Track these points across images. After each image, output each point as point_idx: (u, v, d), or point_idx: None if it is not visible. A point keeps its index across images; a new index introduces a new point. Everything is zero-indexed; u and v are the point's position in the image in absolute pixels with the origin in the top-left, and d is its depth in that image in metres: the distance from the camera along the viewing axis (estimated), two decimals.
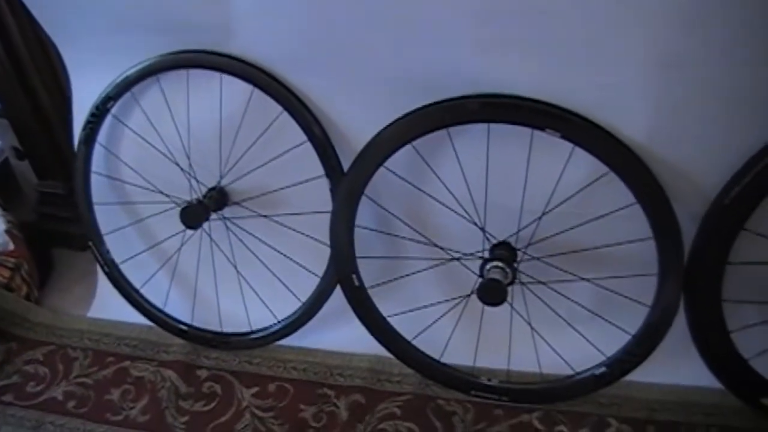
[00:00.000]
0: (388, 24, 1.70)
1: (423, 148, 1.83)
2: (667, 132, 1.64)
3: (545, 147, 1.70)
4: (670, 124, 1.63)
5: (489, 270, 1.80)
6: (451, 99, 1.70)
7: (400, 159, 1.84)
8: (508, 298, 1.81)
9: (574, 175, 1.74)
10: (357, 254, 1.97)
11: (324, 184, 1.96)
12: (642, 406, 1.98)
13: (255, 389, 2.22)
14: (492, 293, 1.77)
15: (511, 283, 1.81)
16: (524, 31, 1.60)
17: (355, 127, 1.90)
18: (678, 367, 1.94)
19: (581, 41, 1.58)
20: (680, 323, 1.79)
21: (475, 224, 1.86)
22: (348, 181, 1.88)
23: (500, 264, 1.79)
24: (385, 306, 2.05)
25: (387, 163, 1.83)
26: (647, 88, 1.60)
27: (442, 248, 1.95)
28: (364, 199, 1.90)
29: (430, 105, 1.72)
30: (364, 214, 1.95)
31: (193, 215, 2.08)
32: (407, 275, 2.05)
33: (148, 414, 2.21)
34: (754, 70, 1.52)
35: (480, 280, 1.80)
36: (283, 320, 2.22)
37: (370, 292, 2.01)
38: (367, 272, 2.01)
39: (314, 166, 1.96)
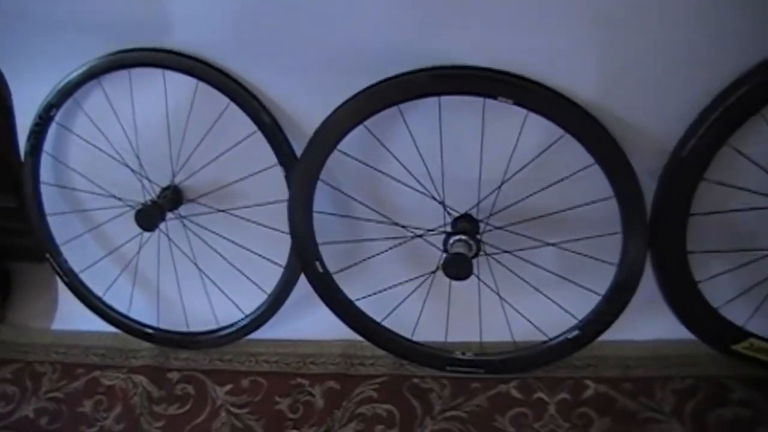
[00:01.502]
0: (328, 2, 1.66)
1: (376, 127, 1.80)
2: (619, 90, 1.63)
3: (499, 115, 1.69)
4: (621, 81, 1.62)
5: (452, 244, 1.79)
6: (401, 74, 1.68)
7: (354, 140, 1.81)
8: (474, 270, 1.79)
9: (531, 140, 1.73)
10: (318, 240, 1.95)
11: (279, 172, 1.93)
12: (617, 365, 2.00)
13: (228, 386, 2.20)
14: (458, 267, 1.76)
15: (476, 255, 1.80)
16: (465, 1, 1.58)
17: (306, 111, 1.87)
18: (650, 323, 1.96)
19: (524, 4, 1.56)
20: (648, 279, 1.79)
21: (435, 199, 1.84)
22: (302, 167, 1.85)
23: (463, 237, 1.78)
24: (352, 290, 2.03)
25: (341, 146, 1.81)
26: (595, 48, 1.58)
27: (403, 227, 1.94)
28: (321, 184, 1.88)
29: (379, 83, 1.70)
30: (322, 200, 1.93)
31: (149, 217, 2.04)
32: (372, 257, 2.03)
33: (123, 422, 2.19)
34: (702, 19, 1.50)
35: (444, 255, 1.78)
36: (250, 314, 2.19)
37: (336, 277, 2.00)
38: (331, 257, 1.99)
39: (267, 155, 1.93)
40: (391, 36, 1.67)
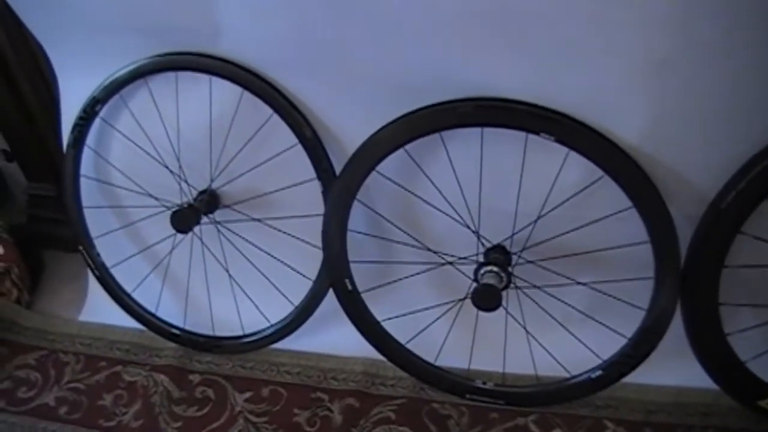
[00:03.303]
0: (378, 26, 1.67)
1: (416, 152, 1.81)
2: (662, 134, 1.62)
3: (539, 150, 1.69)
4: (665, 125, 1.61)
5: (483, 275, 1.79)
6: (444, 102, 1.68)
7: (393, 162, 1.82)
8: (503, 302, 1.79)
9: (570, 178, 1.72)
10: (350, 258, 1.96)
11: (316, 186, 1.94)
12: (638, 408, 1.97)
13: (248, 393, 2.21)
14: (486, 298, 1.76)
15: (506, 287, 1.79)
16: (514, 33, 1.58)
17: (347, 129, 1.88)
18: (674, 369, 1.93)
19: (570, 41, 1.55)
20: (676, 325, 1.77)
21: (469, 228, 1.84)
22: (340, 184, 1.86)
23: (495, 268, 1.78)
24: (379, 309, 2.03)
25: (380, 167, 1.81)
26: (640, 89, 1.58)
27: (435, 252, 1.93)
28: (356, 202, 1.88)
29: (422, 108, 1.70)
30: (356, 218, 1.94)
31: (184, 219, 2.05)
32: (401, 279, 2.03)
33: (141, 419, 2.20)
34: (750, 71, 1.50)
35: (474, 284, 1.78)
36: (275, 324, 2.20)
37: (364, 295, 2.00)
38: (361, 276, 1.99)
39: (306, 168, 1.94)
40: (438, 64, 1.67)
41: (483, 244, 1.86)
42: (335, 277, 1.97)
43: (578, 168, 1.69)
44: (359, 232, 1.97)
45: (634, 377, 1.89)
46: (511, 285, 1.83)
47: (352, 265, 1.97)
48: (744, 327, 1.77)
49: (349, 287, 1.97)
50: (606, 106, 1.61)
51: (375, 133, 1.77)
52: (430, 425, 2.04)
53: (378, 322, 2.02)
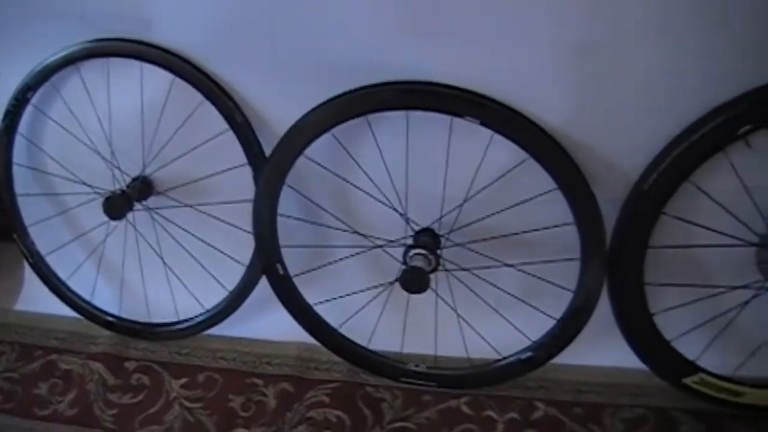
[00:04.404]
0: (308, 10, 1.67)
1: (345, 136, 1.82)
2: (585, 117, 1.65)
3: (465, 133, 1.70)
4: (588, 109, 1.64)
5: (411, 257, 1.80)
6: (370, 86, 1.68)
7: (324, 147, 1.82)
8: (433, 285, 1.81)
9: (495, 160, 1.73)
10: (281, 243, 1.96)
11: (248, 172, 1.94)
12: (568, 389, 2.00)
13: (183, 380, 2.21)
14: (414, 281, 1.77)
15: (435, 269, 1.81)
16: (441, 18, 1.59)
17: (278, 114, 1.88)
18: (603, 350, 1.96)
19: (496, 27, 1.57)
20: (604, 306, 1.80)
21: (397, 211, 1.85)
22: (268, 169, 1.86)
23: (422, 251, 1.79)
24: (312, 294, 2.04)
25: (309, 152, 1.81)
26: (563, 74, 1.59)
27: (365, 236, 1.94)
28: (288, 187, 1.88)
29: (348, 92, 1.70)
30: (288, 203, 1.94)
31: (116, 206, 2.05)
32: (332, 263, 2.03)
33: (76, 407, 2.19)
34: (668, 56, 1.52)
35: (403, 267, 1.79)
36: (209, 310, 2.20)
37: (296, 280, 2.01)
38: (293, 260, 2.00)
39: (238, 154, 1.94)
40: (366, 47, 1.68)
41: (411, 228, 1.87)
42: (266, 261, 1.98)
43: (504, 151, 1.70)
44: (289, 216, 1.96)
45: (564, 358, 1.92)
46: (441, 268, 1.84)
47: (284, 250, 1.97)
48: (669, 306, 1.79)
49: (281, 272, 1.98)
50: (530, 89, 1.63)
51: (302, 118, 1.77)
52: (363, 408, 2.05)
53: (310, 307, 2.03)
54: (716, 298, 1.80)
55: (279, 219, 1.93)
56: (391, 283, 1.84)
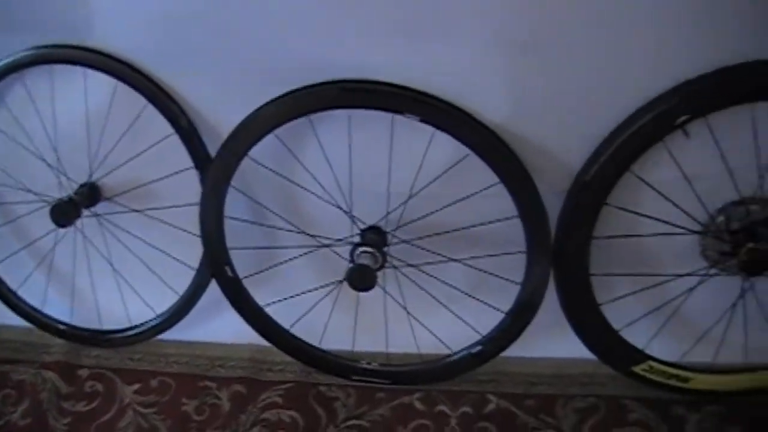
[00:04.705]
0: (250, 11, 1.67)
1: (289, 136, 1.82)
2: (526, 112, 1.66)
3: (408, 130, 1.71)
4: (529, 103, 1.65)
5: (358, 255, 1.80)
6: (311, 86, 1.69)
7: (269, 147, 1.82)
8: (381, 282, 1.82)
9: (439, 157, 1.75)
10: (230, 245, 1.96)
11: (195, 175, 1.94)
12: (520, 381, 2.03)
13: (137, 386, 2.20)
14: (361, 278, 1.78)
15: (382, 267, 1.82)
16: (382, 15, 1.60)
17: (223, 117, 1.87)
18: (553, 341, 1.99)
19: (437, 24, 1.58)
20: (552, 298, 1.82)
21: (341, 209, 1.86)
22: (213, 171, 1.86)
23: (369, 249, 1.80)
24: (262, 295, 2.04)
25: (254, 153, 1.81)
26: (503, 69, 1.61)
27: (312, 235, 1.95)
28: (234, 189, 1.88)
29: (289, 93, 1.71)
30: (236, 205, 1.94)
31: (64, 213, 2.03)
32: (281, 263, 2.03)
33: (30, 417, 2.18)
34: (606, 50, 1.55)
35: (350, 265, 1.80)
36: (161, 315, 2.19)
37: (246, 282, 2.00)
38: (243, 262, 2.00)
39: (185, 157, 1.93)
40: (308, 48, 1.68)
41: (358, 226, 1.88)
42: (215, 264, 1.98)
43: (447, 147, 1.71)
44: (234, 218, 1.95)
45: (515, 351, 1.94)
46: (388, 265, 1.85)
47: (233, 252, 1.97)
48: (617, 296, 1.82)
49: (230, 274, 1.98)
50: (471, 85, 1.64)
51: (245, 119, 1.77)
52: (317, 408, 2.06)
53: (261, 308, 2.04)
54: (662, 286, 1.83)
55: (227, 221, 1.93)
56: (340, 282, 1.84)
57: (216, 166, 1.85)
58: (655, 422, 1.91)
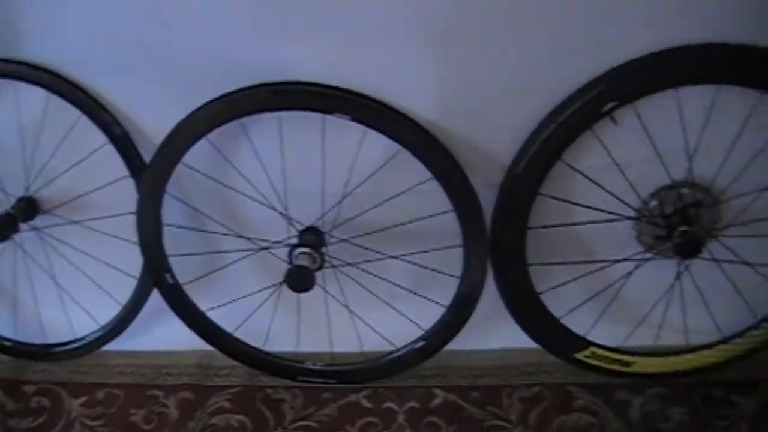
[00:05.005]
0: (177, 18, 1.67)
1: (222, 141, 1.82)
2: (457, 107, 1.68)
3: (340, 130, 1.71)
4: (458, 98, 1.67)
5: (296, 256, 1.81)
6: (239, 90, 1.69)
7: (203, 153, 1.82)
8: (321, 282, 1.83)
9: (371, 155, 1.75)
10: (170, 252, 1.95)
11: (132, 184, 1.93)
12: (465, 374, 2.05)
13: (83, 398, 2.18)
14: (299, 280, 1.79)
15: (321, 267, 1.82)
16: (310, 17, 1.60)
17: (157, 124, 1.86)
18: (496, 332, 2.01)
19: (362, 22, 1.58)
20: (493, 290, 1.84)
21: (277, 211, 1.86)
22: (147, 179, 1.85)
23: (306, 249, 1.81)
24: (206, 300, 2.04)
25: (189, 159, 1.81)
26: (430, 64, 1.62)
27: (249, 239, 1.95)
28: (171, 196, 1.88)
29: (219, 97, 1.70)
30: (174, 211, 1.95)
31: (1, 228, 2.01)
32: (222, 268, 2.03)
33: None
34: (531, 41, 1.56)
35: (289, 267, 1.80)
36: (104, 326, 2.18)
37: (188, 288, 2.00)
38: (185, 268, 2.00)
39: (120, 166, 1.92)
40: (237, 51, 1.68)
41: (295, 227, 1.88)
42: (155, 272, 1.97)
43: (379, 145, 1.72)
44: (172, 225, 1.95)
45: (459, 344, 1.96)
46: (327, 264, 1.86)
47: (174, 259, 1.97)
48: (555, 284, 1.84)
49: (170, 281, 1.97)
50: (400, 82, 1.65)
51: (176, 126, 1.76)
52: (265, 411, 2.06)
53: (203, 314, 2.03)
54: (601, 273, 1.86)
55: (166, 228, 1.92)
56: (281, 284, 1.84)
57: (150, 174, 1.84)
58: (600, 407, 1.94)
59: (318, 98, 1.66)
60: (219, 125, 1.74)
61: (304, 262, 1.79)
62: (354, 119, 1.66)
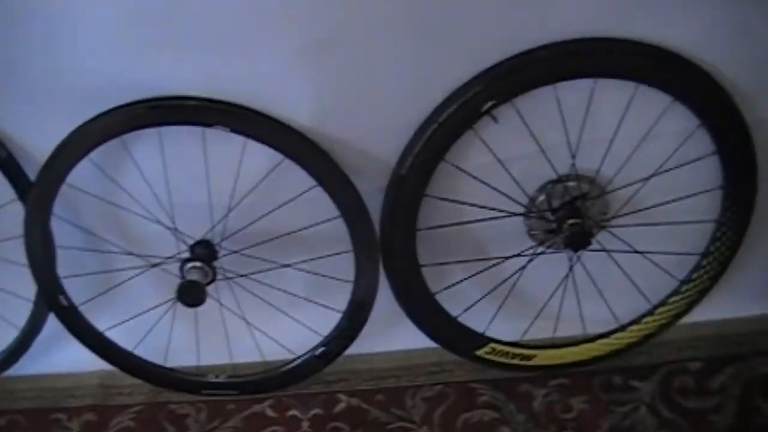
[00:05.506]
0: (52, 36, 1.63)
1: (105, 159, 1.80)
2: (335, 112, 1.68)
3: (221, 142, 1.71)
4: (336, 103, 1.67)
5: (187, 271, 1.80)
6: (116, 108, 1.67)
7: (88, 172, 1.80)
8: (216, 294, 1.82)
9: (255, 165, 1.75)
10: (63, 273, 1.93)
11: (20, 207, 1.89)
12: (368, 377, 2.06)
13: None
14: (190, 294, 1.78)
15: (213, 280, 1.82)
16: (177, 31, 1.59)
17: (42, 145, 1.82)
18: (396, 334, 2.03)
19: (234, 33, 1.57)
20: (390, 292, 1.84)
21: (164, 225, 1.85)
22: (32, 201, 1.82)
23: (197, 263, 1.80)
24: (104, 320, 2.02)
25: (75, 179, 1.80)
26: (307, 71, 1.61)
27: (139, 255, 1.93)
28: (63, 216, 1.87)
29: (96, 117, 1.69)
30: (66, 232, 1.92)
31: None
32: (116, 286, 2.01)
33: None
34: (408, 43, 1.57)
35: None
36: (2, 351, 2.14)
37: (84, 308, 1.98)
38: (80, 289, 1.98)
39: (8, 190, 1.89)
40: (113, 69, 1.65)
41: (185, 241, 1.87)
42: (48, 294, 1.95)
43: (261, 155, 1.72)
44: (61, 247, 1.92)
45: (360, 348, 1.98)
46: (221, 277, 1.85)
47: (69, 280, 1.94)
48: (449, 283, 1.86)
49: (65, 303, 1.95)
50: (276, 91, 1.65)
51: (57, 146, 1.73)
52: (169, 427, 2.05)
53: (101, 333, 2.01)
54: (495, 269, 1.88)
55: (60, 249, 1.90)
56: (175, 300, 1.83)
57: (35, 195, 1.81)
58: (503, 402, 1.96)
59: (195, 111, 1.65)
60: (99, 144, 1.72)
61: (194, 276, 1.78)
62: (234, 130, 1.66)
